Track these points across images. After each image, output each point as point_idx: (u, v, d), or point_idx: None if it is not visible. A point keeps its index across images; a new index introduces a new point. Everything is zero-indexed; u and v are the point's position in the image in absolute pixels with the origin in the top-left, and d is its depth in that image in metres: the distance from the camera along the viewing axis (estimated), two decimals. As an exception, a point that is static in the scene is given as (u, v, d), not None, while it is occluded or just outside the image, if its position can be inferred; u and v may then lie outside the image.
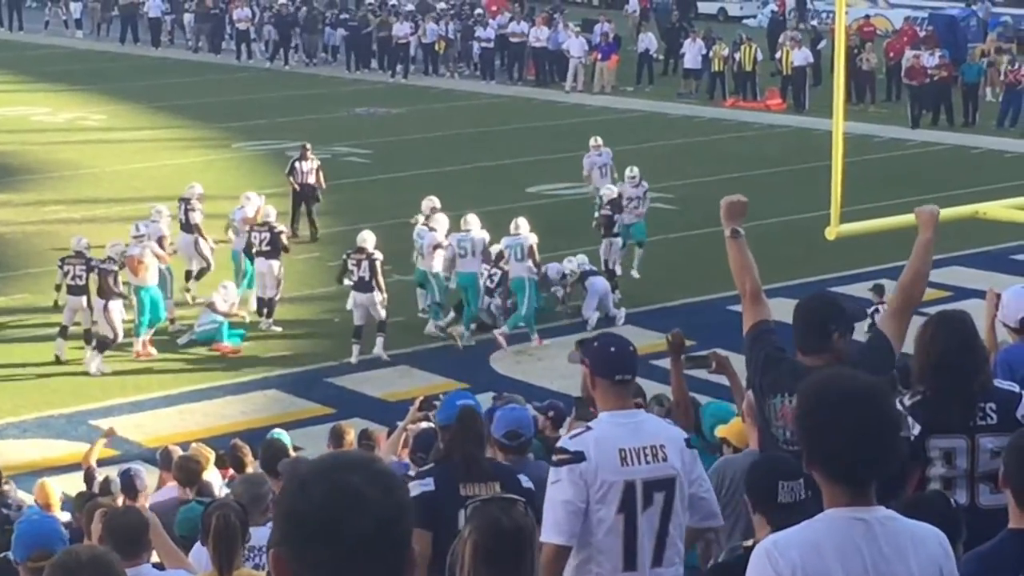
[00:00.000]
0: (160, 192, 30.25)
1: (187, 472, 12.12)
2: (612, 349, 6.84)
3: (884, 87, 42.33)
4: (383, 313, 21.95)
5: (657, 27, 50.43)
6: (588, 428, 6.70)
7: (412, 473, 11.83)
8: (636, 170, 25.59)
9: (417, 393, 15.78)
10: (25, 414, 19.91)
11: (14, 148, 36.39)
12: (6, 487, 14.24)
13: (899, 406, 10.18)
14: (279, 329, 23.04)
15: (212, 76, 47.05)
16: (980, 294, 9.87)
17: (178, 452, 13.32)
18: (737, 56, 43.17)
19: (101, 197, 31.25)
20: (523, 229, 22.90)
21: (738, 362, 11.36)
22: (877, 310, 21.45)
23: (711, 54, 43.53)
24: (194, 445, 13.52)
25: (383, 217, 23.47)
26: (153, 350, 22.06)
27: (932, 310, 7.38)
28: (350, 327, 22.65)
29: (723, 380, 10.55)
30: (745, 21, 55.56)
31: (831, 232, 12.06)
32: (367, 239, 22.21)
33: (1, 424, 19.63)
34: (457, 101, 43.42)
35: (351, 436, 13.74)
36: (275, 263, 23.16)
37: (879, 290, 21.41)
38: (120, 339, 21.35)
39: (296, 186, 26.64)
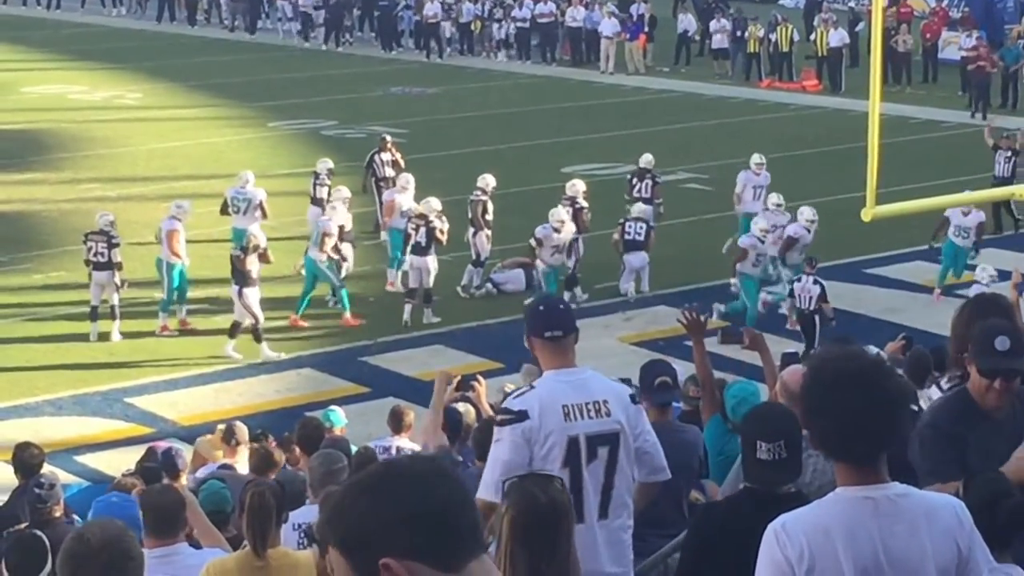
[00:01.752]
0: (195, 171, 30.35)
1: (261, 459, 11.94)
2: (540, 308, 7.01)
3: (920, 68, 42.14)
4: (431, 281, 22.16)
5: (694, 7, 50.31)
6: (531, 387, 6.82)
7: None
8: (780, 197, 24.00)
9: (453, 373, 15.75)
10: (61, 392, 19.97)
11: (51, 126, 36.54)
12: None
13: (937, 390, 10.16)
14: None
15: (248, 55, 47.14)
16: (1017, 277, 9.84)
17: (243, 429, 13.34)
18: (773, 37, 43.02)
19: (137, 175, 31.34)
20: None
21: (771, 343, 11.39)
22: (799, 278, 21.05)
23: (747, 35, 43.39)
24: (237, 424, 13.55)
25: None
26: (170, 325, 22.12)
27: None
28: (385, 306, 22.69)
29: (756, 360, 10.56)
30: (781, 2, 55.36)
31: (867, 214, 12.05)
32: (432, 205, 22.52)
33: (37, 402, 19.71)
34: (492, 81, 43.42)
35: (410, 418, 13.87)
36: (346, 246, 23.43)
37: (811, 262, 21.05)
38: (262, 323, 21.20)
39: (375, 179, 26.53)
